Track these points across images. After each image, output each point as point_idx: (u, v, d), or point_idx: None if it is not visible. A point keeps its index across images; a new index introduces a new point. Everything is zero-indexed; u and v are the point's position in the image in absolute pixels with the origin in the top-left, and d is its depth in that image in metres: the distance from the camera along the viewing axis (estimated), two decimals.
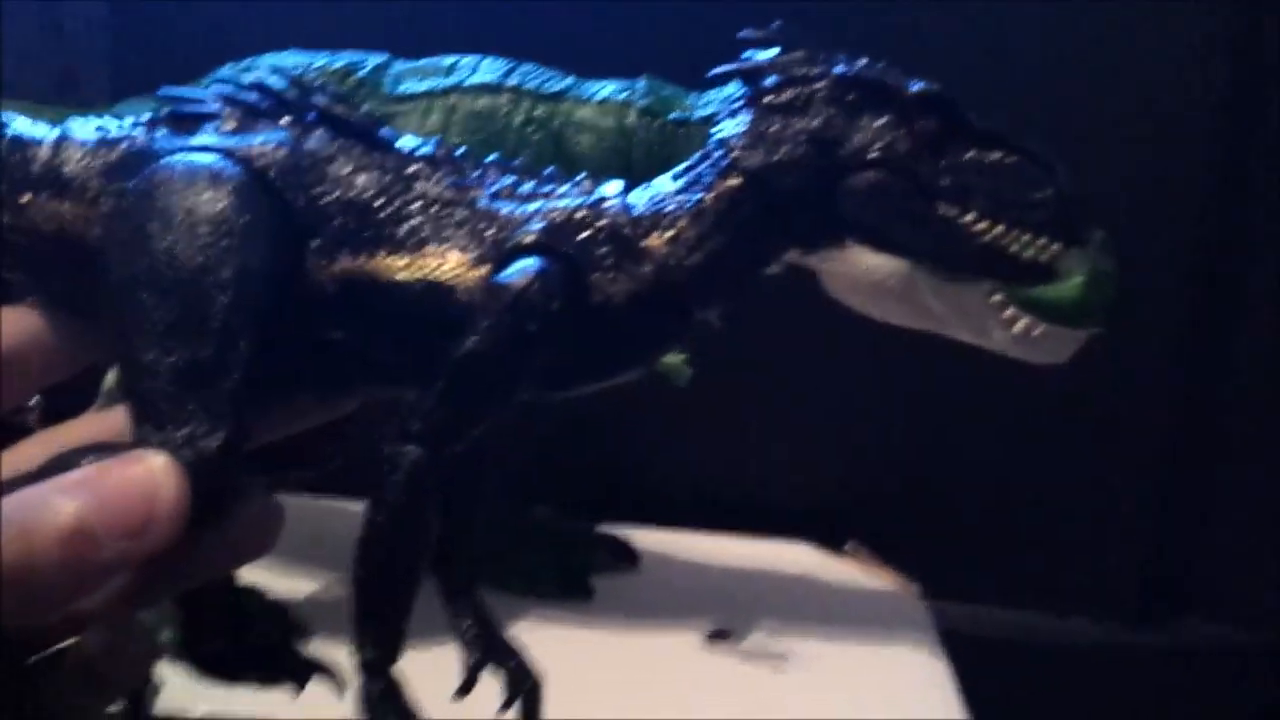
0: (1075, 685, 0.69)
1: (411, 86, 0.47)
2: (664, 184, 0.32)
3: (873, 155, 0.31)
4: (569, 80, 0.48)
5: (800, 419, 0.70)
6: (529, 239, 0.30)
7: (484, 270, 0.30)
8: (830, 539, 0.66)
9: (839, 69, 0.32)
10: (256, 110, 0.31)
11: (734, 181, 0.31)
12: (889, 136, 0.31)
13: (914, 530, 0.67)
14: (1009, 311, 0.34)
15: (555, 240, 0.30)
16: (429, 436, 0.29)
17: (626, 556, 0.61)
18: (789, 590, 0.61)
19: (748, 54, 0.33)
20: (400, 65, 0.48)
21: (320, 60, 0.47)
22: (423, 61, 0.48)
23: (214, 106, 0.31)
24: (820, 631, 0.56)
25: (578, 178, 0.32)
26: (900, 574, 0.63)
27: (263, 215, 0.29)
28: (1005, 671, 0.58)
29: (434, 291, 0.30)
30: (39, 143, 0.31)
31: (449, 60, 0.48)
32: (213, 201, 0.29)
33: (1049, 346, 0.34)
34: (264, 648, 0.32)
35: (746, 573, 0.62)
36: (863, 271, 0.35)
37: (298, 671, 0.31)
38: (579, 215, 0.31)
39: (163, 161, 0.29)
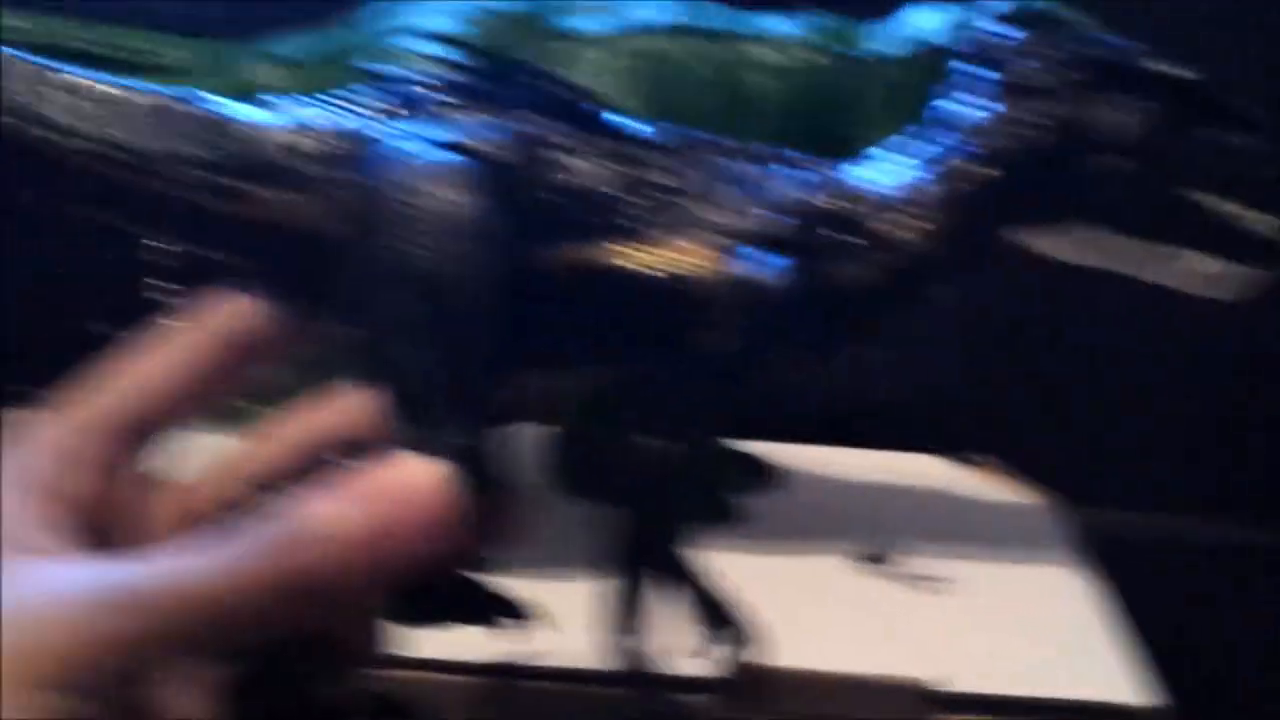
0: (1225, 588, 0.70)
1: (579, 23, 0.46)
2: (896, 160, 0.32)
3: (1121, 141, 0.31)
4: (739, 16, 0.46)
5: (919, 324, 0.69)
6: (768, 229, 0.30)
7: (723, 262, 0.30)
8: (955, 449, 0.66)
9: (1084, 51, 0.31)
10: (474, 91, 0.31)
11: (980, 169, 0.31)
12: (1137, 120, 0.31)
13: (1049, 440, 0.67)
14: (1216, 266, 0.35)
15: (794, 230, 0.30)
16: (675, 427, 0.30)
17: (764, 474, 0.61)
18: (931, 506, 0.61)
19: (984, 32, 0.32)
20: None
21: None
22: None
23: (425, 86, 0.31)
24: (968, 549, 0.56)
25: (804, 156, 0.31)
26: (1034, 484, 0.63)
27: (501, 212, 0.29)
28: (1155, 578, 0.59)
29: (671, 281, 0.30)
30: (268, 129, 0.30)
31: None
32: (454, 203, 0.28)
33: (1235, 286, 0.34)
34: (454, 587, 0.31)
35: (883, 489, 0.62)
36: None
37: (489, 608, 0.31)
38: (816, 202, 0.31)
39: (399, 158, 0.29)
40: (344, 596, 0.26)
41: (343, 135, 0.30)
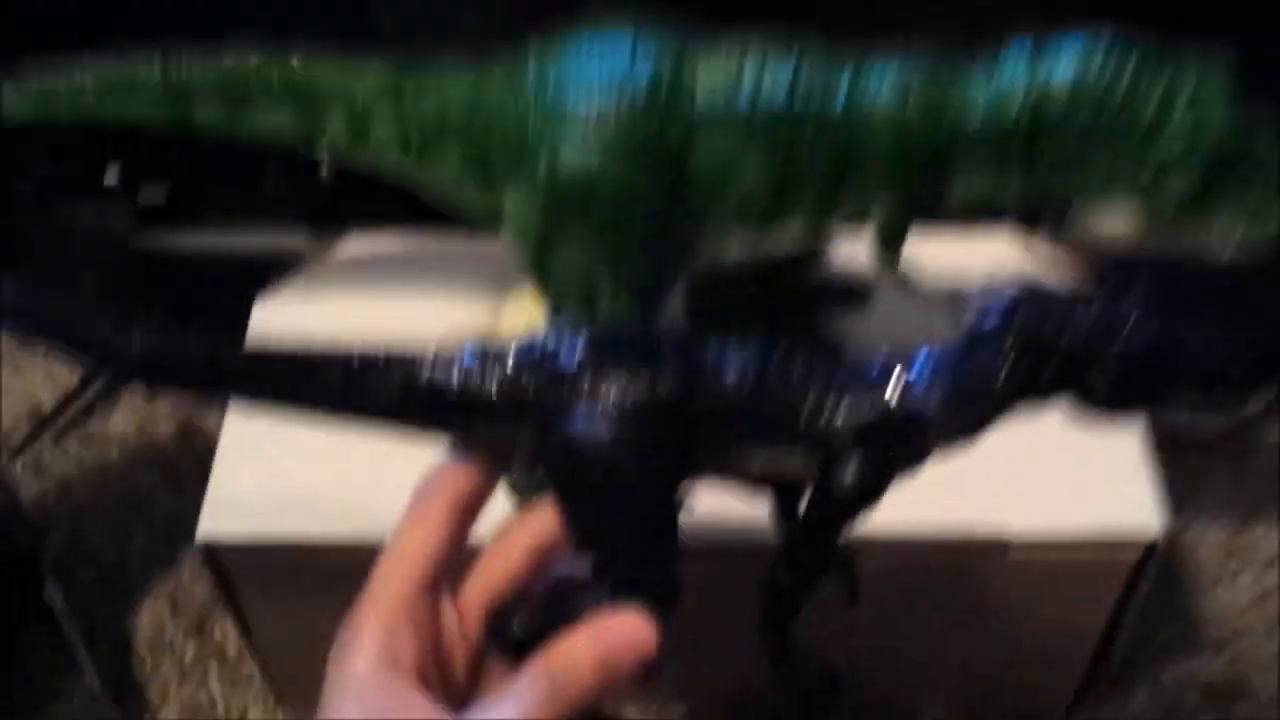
0: None
1: (709, 104, 0.54)
2: (949, 368, 0.43)
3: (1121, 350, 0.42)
4: (847, 73, 0.54)
5: None
6: (852, 437, 0.43)
7: (817, 465, 0.44)
8: None
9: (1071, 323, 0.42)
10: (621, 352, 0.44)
11: (1009, 387, 0.43)
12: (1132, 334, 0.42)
13: None
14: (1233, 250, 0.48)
15: (874, 439, 0.43)
16: (795, 555, 0.46)
17: (857, 295, 0.73)
18: None
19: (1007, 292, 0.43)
20: (688, 66, 0.54)
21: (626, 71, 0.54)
22: (707, 60, 0.54)
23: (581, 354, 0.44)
24: None
25: (879, 362, 0.44)
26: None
27: (657, 452, 0.43)
28: None
29: (782, 478, 0.46)
30: (453, 376, 0.44)
31: (734, 60, 0.54)
32: (621, 460, 0.43)
33: None
34: None
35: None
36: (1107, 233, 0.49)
37: None
38: (884, 415, 0.44)
39: (572, 428, 0.43)
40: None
41: (536, 370, 0.44)
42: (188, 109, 0.60)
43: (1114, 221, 0.55)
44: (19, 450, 0.90)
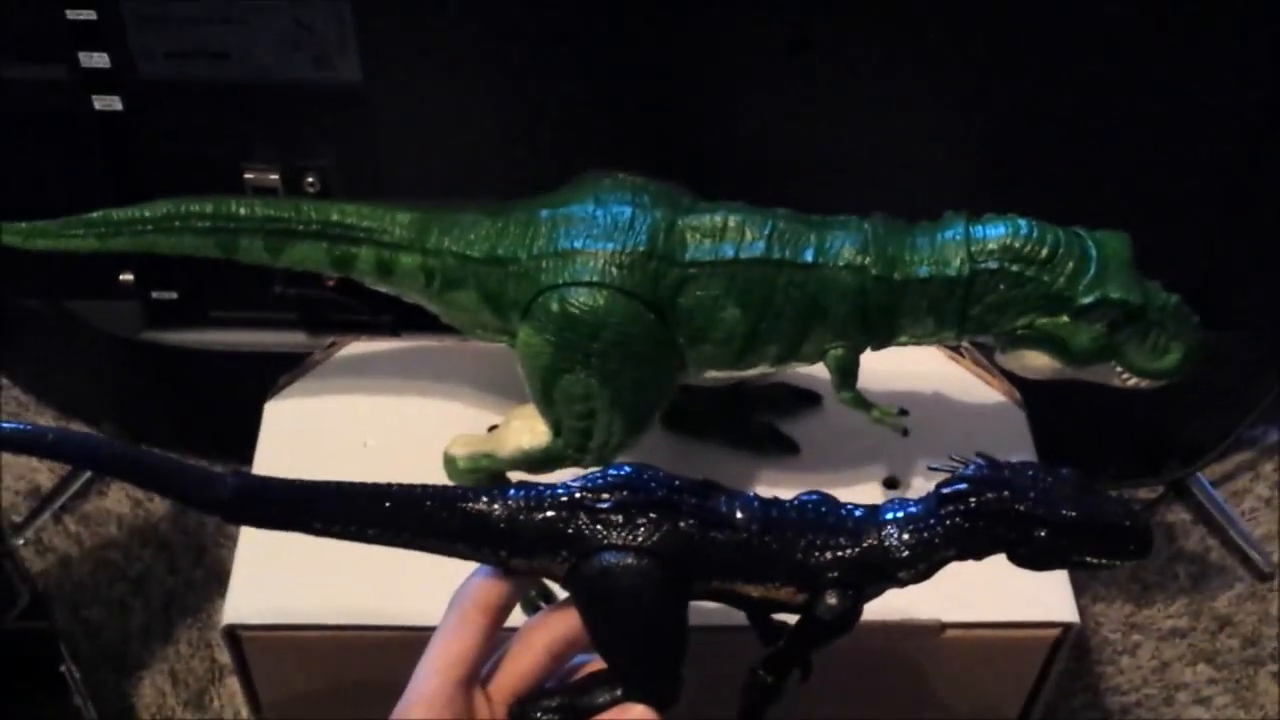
0: None
1: (697, 254, 0.63)
2: (917, 524, 0.53)
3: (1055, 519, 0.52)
4: (814, 233, 0.63)
5: None
6: (835, 576, 0.52)
7: (804, 596, 0.53)
8: None
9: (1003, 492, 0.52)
10: (646, 504, 0.52)
11: (963, 541, 0.53)
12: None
13: None
14: (1131, 381, 0.58)
15: (852, 578, 0.53)
16: (776, 666, 0.54)
17: (808, 399, 0.83)
18: (938, 416, 0.79)
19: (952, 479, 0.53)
20: (681, 221, 0.64)
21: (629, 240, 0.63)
22: (697, 217, 0.64)
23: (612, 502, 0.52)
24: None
25: (859, 514, 0.53)
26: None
27: (670, 582, 0.52)
28: None
29: (773, 602, 0.54)
30: (526, 506, 0.53)
31: (719, 217, 0.63)
32: (643, 589, 0.52)
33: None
34: None
35: (896, 393, 0.83)
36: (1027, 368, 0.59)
37: None
38: (863, 557, 0.53)
39: (603, 559, 0.52)
40: None
41: (561, 518, 0.52)
42: (234, 243, 0.68)
43: (1034, 357, 0.65)
44: (20, 529, 0.95)
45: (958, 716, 0.78)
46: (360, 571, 0.69)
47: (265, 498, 0.53)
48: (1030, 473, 0.53)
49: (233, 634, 0.71)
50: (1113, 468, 0.96)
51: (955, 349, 0.83)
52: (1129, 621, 0.93)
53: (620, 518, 0.52)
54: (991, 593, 0.71)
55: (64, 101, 0.77)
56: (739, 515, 0.53)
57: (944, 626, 0.71)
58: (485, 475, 0.70)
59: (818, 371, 0.74)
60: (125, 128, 0.78)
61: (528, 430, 0.68)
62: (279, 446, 0.78)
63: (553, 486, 0.53)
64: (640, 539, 0.51)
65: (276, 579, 0.71)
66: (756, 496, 0.54)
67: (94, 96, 0.76)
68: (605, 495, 0.52)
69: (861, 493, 0.76)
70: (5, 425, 0.51)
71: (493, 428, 0.74)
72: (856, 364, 0.66)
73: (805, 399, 0.81)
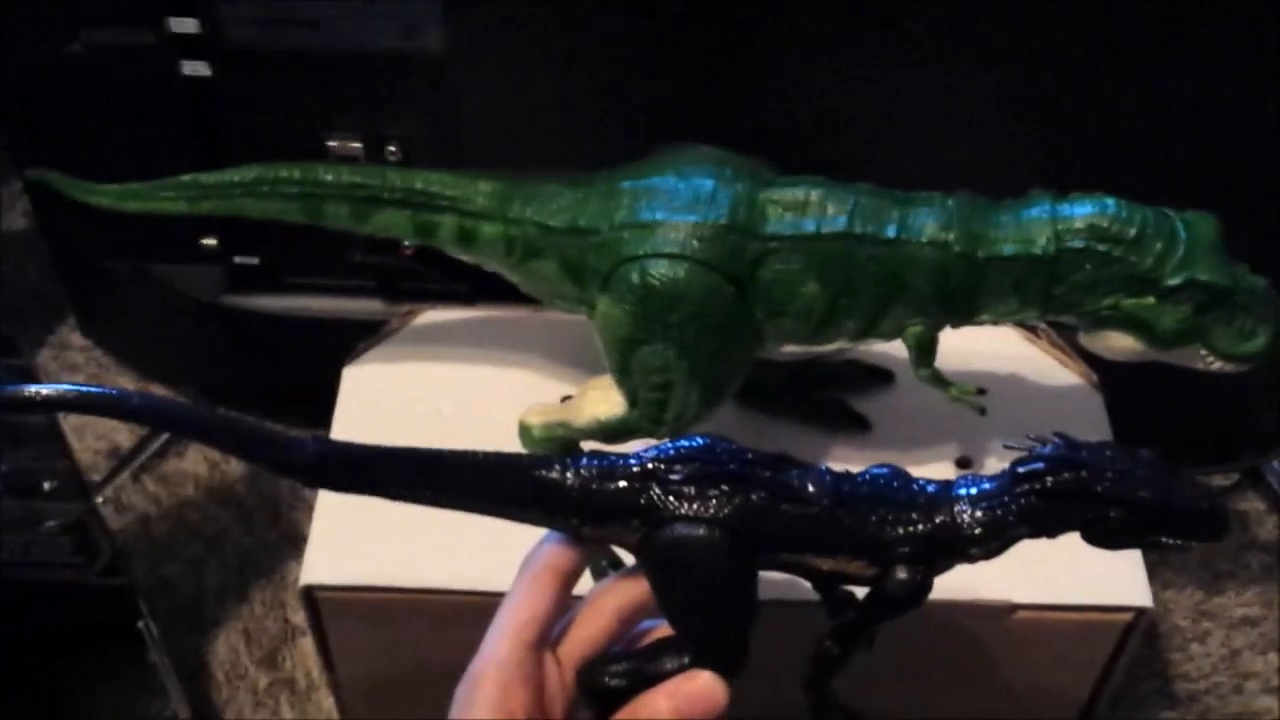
0: None
1: (778, 228, 0.63)
2: (991, 501, 0.53)
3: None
4: (897, 209, 0.63)
5: None
6: (906, 551, 0.53)
7: (874, 570, 0.53)
8: None
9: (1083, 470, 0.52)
10: (719, 476, 0.53)
11: (1036, 520, 0.53)
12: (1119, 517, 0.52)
13: None
14: (1215, 364, 0.58)
15: (923, 553, 0.53)
16: (843, 637, 0.55)
17: (882, 376, 0.83)
18: (1013, 397, 0.78)
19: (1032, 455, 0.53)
20: (763, 194, 0.64)
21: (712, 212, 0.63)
22: (779, 190, 0.64)
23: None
24: None
25: (932, 488, 0.53)
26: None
27: (741, 553, 0.53)
28: None
29: (844, 576, 0.54)
30: (600, 475, 0.53)
31: (801, 191, 0.63)
32: (714, 560, 0.53)
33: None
34: None
35: (972, 373, 0.82)
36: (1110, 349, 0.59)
37: None
38: (935, 533, 0.53)
39: (675, 530, 0.52)
40: None
41: (634, 488, 0.53)
42: (320, 209, 0.69)
43: (1118, 338, 0.64)
44: (100, 487, 0.97)
45: (1024, 699, 0.78)
46: (436, 535, 0.70)
47: (345, 463, 0.54)
48: (1108, 453, 0.53)
49: (310, 594, 0.72)
50: (1188, 453, 0.95)
51: (1032, 329, 0.83)
52: (1199, 609, 0.92)
53: (692, 489, 0.52)
54: (1064, 574, 0.71)
55: (152, 67, 0.78)
56: (811, 489, 0.53)
57: (1015, 607, 0.71)
58: (559, 444, 0.71)
59: (890, 349, 0.75)
60: (212, 94, 0.79)
61: (604, 400, 0.68)
62: (356, 412, 0.79)
63: (625, 457, 0.54)
64: (712, 511, 0.52)
65: (354, 540, 0.73)
66: (828, 470, 0.54)
67: (183, 62, 0.77)
68: (678, 466, 0.53)
69: (934, 471, 0.74)
70: (94, 389, 0.52)
71: (566, 398, 0.75)
72: (935, 342, 0.66)
73: (878, 376, 0.81)
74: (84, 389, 0.52)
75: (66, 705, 0.84)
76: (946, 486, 0.54)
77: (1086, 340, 0.66)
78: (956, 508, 0.53)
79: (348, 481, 0.54)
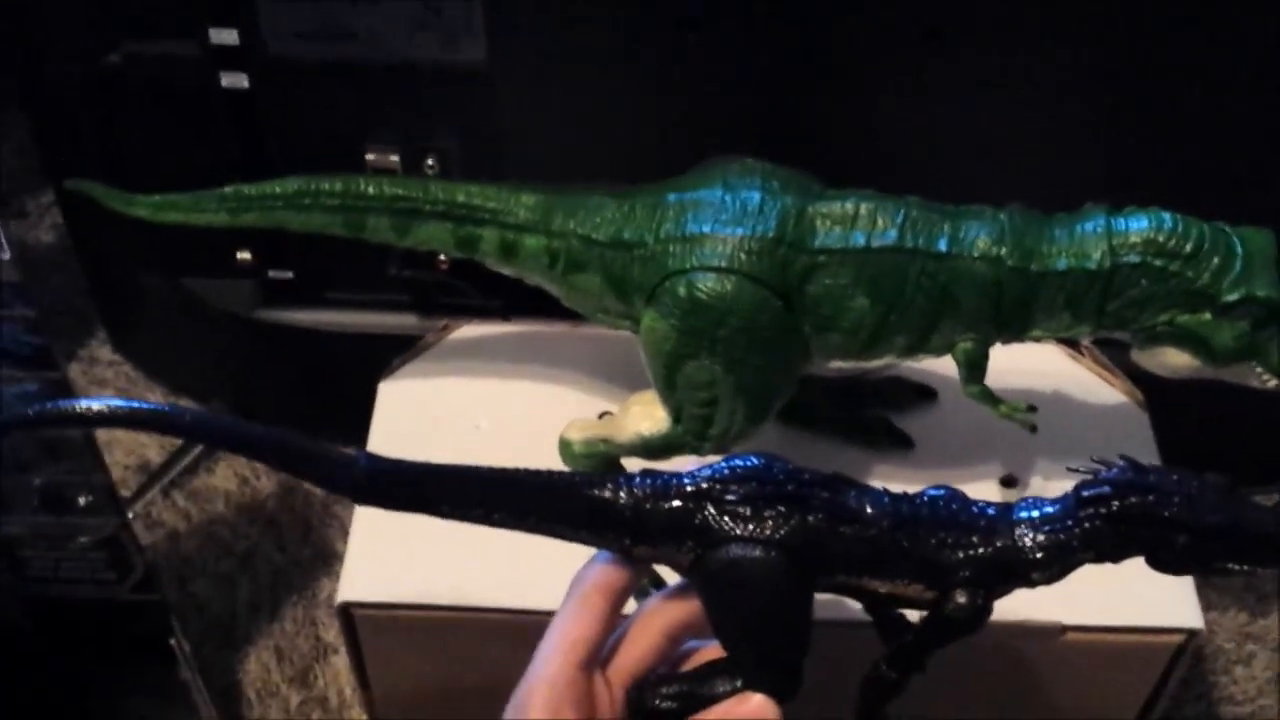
0: None
1: (827, 241, 0.62)
2: (1054, 525, 0.52)
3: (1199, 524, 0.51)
4: (948, 223, 0.62)
5: None
6: (967, 575, 0.52)
7: (932, 593, 0.52)
8: None
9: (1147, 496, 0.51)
10: (775, 497, 0.52)
11: (1101, 545, 0.51)
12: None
13: None
14: (1272, 382, 0.57)
15: (983, 577, 0.52)
16: (900, 662, 0.54)
17: (925, 394, 0.82)
18: (1058, 416, 0.77)
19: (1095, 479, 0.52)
20: (811, 207, 0.63)
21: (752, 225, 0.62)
22: (827, 204, 0.63)
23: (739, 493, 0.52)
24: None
25: (993, 511, 0.52)
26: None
27: (797, 576, 0.51)
28: None
29: (902, 599, 0.53)
30: (653, 494, 0.52)
31: (850, 204, 0.62)
32: (770, 582, 0.51)
33: None
34: None
35: (1015, 391, 0.81)
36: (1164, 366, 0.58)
37: None
38: (996, 556, 0.52)
39: (730, 551, 0.51)
40: None
41: (688, 508, 0.52)
42: (361, 221, 0.68)
43: (1172, 355, 0.63)
44: (130, 503, 0.97)
45: None
46: (472, 553, 0.70)
47: (396, 481, 0.53)
48: (1175, 477, 0.52)
49: (346, 611, 0.71)
50: (1231, 473, 0.93)
51: (1075, 346, 0.82)
52: (1244, 631, 0.91)
53: (748, 510, 0.51)
54: (1114, 596, 0.69)
55: (192, 78, 0.77)
56: (869, 510, 0.52)
57: (1065, 629, 0.70)
58: (601, 460, 0.70)
59: (935, 366, 0.73)
60: (251, 106, 0.79)
61: (647, 416, 0.67)
62: (393, 427, 0.78)
63: (679, 475, 0.53)
64: (769, 532, 0.51)
65: (390, 557, 0.72)
66: (886, 492, 0.53)
67: (222, 73, 0.77)
68: (733, 486, 0.52)
69: (978, 490, 0.73)
70: (145, 405, 0.51)
71: (604, 414, 0.74)
72: (986, 357, 0.65)
73: (922, 394, 0.80)
74: (135, 405, 0.51)
75: (100, 719, 0.83)
76: (1007, 509, 0.53)
77: (1139, 357, 0.65)
78: (1018, 531, 0.52)
79: (398, 499, 0.53)
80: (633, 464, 0.69)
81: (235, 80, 0.77)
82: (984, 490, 0.75)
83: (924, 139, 0.77)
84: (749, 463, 0.53)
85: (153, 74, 0.78)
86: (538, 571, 0.69)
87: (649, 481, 0.52)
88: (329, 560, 0.93)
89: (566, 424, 0.72)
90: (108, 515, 0.78)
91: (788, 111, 0.76)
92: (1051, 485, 0.75)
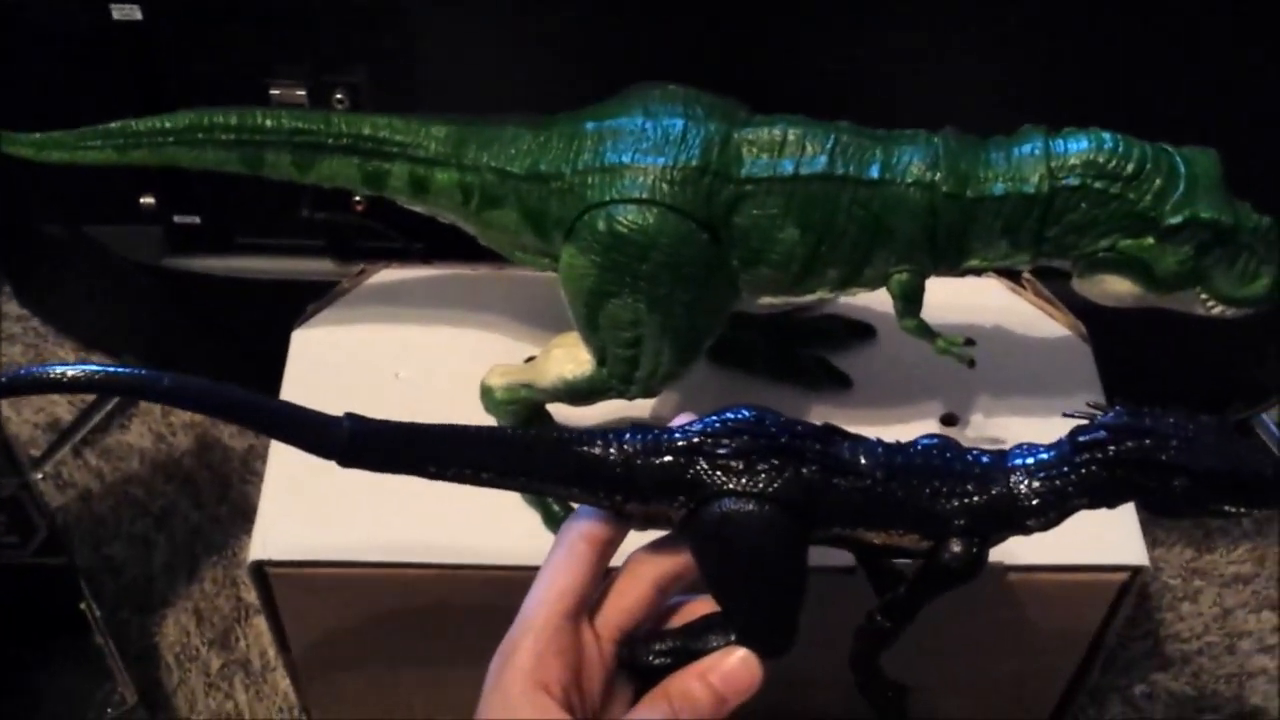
0: None
1: (754, 170, 0.59)
2: (1050, 471, 0.51)
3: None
4: (879, 148, 0.59)
5: None
6: (962, 523, 0.51)
7: (927, 543, 0.51)
8: None
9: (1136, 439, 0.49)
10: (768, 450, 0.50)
11: (1097, 490, 0.50)
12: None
13: None
14: (1216, 309, 0.55)
15: (979, 525, 0.51)
16: (894, 612, 0.53)
17: (863, 331, 0.79)
18: (1000, 351, 0.75)
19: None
20: (737, 134, 0.59)
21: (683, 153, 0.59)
22: (754, 130, 0.59)
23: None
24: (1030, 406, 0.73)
25: (987, 459, 0.50)
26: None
27: (792, 530, 0.50)
28: None
29: (896, 549, 0.52)
30: (644, 450, 0.51)
31: (778, 131, 0.59)
32: (764, 537, 0.50)
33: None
34: None
35: (955, 327, 0.79)
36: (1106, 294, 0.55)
37: None
38: (991, 504, 0.51)
39: (724, 505, 0.50)
40: None
41: (680, 463, 0.50)
42: (259, 157, 0.64)
43: (1115, 282, 0.61)
44: (39, 462, 0.92)
45: (1017, 662, 0.74)
46: (390, 507, 0.67)
47: (381, 441, 0.51)
48: (1171, 420, 0.51)
49: (260, 570, 0.68)
50: (1176, 406, 0.92)
51: (1016, 279, 0.79)
52: (1190, 567, 0.90)
53: (741, 464, 0.50)
54: (1058, 534, 0.67)
55: (80, 11, 0.72)
56: (862, 461, 0.51)
57: (1007, 569, 0.67)
58: (523, 406, 0.67)
59: (872, 302, 0.71)
60: (145, 39, 0.74)
61: (570, 359, 0.64)
62: (307, 377, 0.75)
63: (670, 431, 0.52)
64: (762, 485, 0.50)
65: (304, 514, 0.69)
66: (880, 442, 0.52)
67: (112, 5, 0.72)
68: (725, 440, 0.50)
69: (918, 429, 0.72)
70: (123, 370, 0.50)
71: (530, 359, 0.71)
72: (922, 289, 0.62)
73: (858, 331, 0.77)
74: (111, 369, 0.49)
75: (8, 689, 0.80)
76: (1001, 457, 0.52)
77: (1080, 286, 0.62)
78: (1013, 478, 0.51)
79: (384, 460, 0.52)
80: (578, 415, 0.67)
81: (127, 12, 0.72)
82: (925, 428, 0.72)
83: (854, 62, 0.74)
84: (741, 416, 0.52)
85: (40, 7, 0.73)
86: (457, 526, 0.67)
87: (639, 437, 0.51)
88: (249, 518, 0.89)
89: (488, 369, 0.68)
90: (6, 475, 0.74)
91: (712, 35, 0.73)
92: (992, 422, 0.74)
